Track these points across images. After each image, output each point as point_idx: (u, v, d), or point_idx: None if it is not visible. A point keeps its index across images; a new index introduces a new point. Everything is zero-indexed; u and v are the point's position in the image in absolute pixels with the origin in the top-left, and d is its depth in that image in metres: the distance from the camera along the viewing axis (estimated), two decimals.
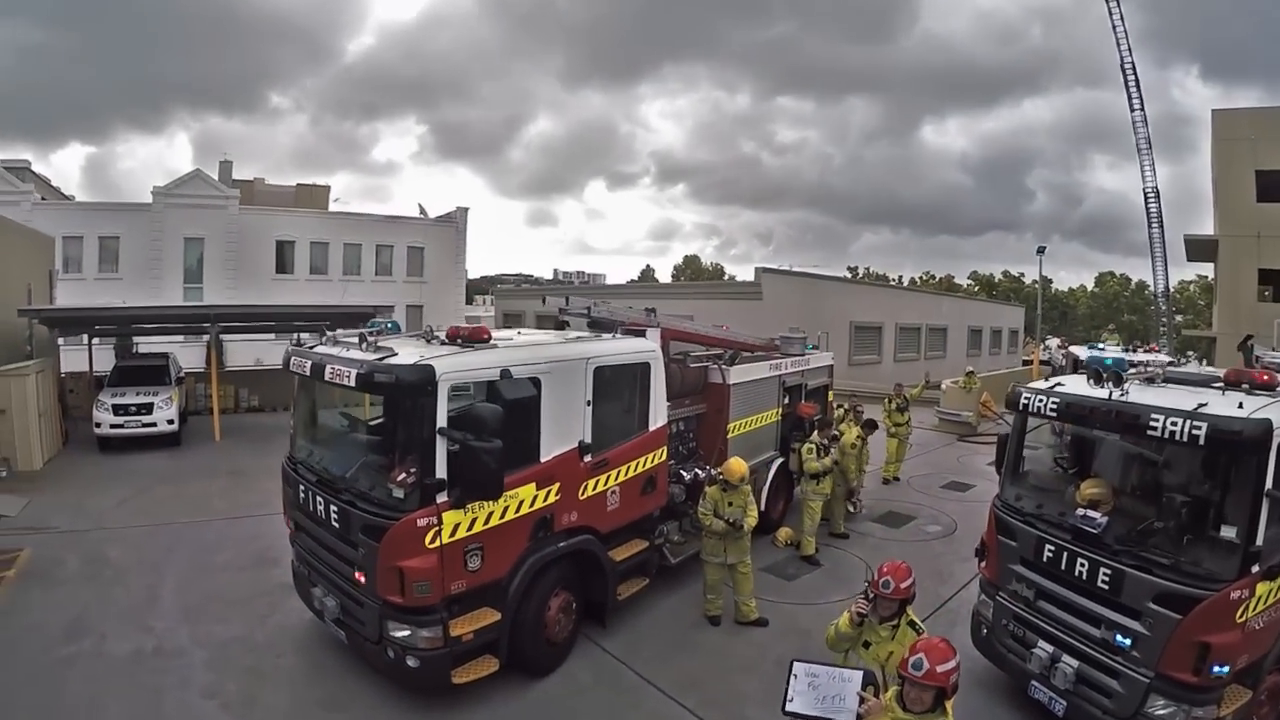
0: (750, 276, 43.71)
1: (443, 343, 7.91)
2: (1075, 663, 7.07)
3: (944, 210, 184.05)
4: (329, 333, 8.59)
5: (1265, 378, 7.14)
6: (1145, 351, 21.61)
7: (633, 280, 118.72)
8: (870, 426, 14.51)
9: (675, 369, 10.83)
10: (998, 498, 8.52)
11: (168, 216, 40.39)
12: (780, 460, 13.07)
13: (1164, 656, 6.42)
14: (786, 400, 13.43)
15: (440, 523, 6.98)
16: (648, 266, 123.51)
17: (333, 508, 7.58)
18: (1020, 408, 8.19)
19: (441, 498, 7.00)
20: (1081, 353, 21.55)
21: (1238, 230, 32.27)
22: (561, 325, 10.98)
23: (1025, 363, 50.19)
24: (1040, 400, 7.86)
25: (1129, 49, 41.33)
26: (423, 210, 53.37)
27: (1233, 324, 31.17)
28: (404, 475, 7.07)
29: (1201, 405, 6.54)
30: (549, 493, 8.01)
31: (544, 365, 8.03)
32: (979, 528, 8.93)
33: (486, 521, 7.35)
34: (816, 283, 45.03)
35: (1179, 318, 67.18)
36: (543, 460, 7.96)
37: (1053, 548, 7.45)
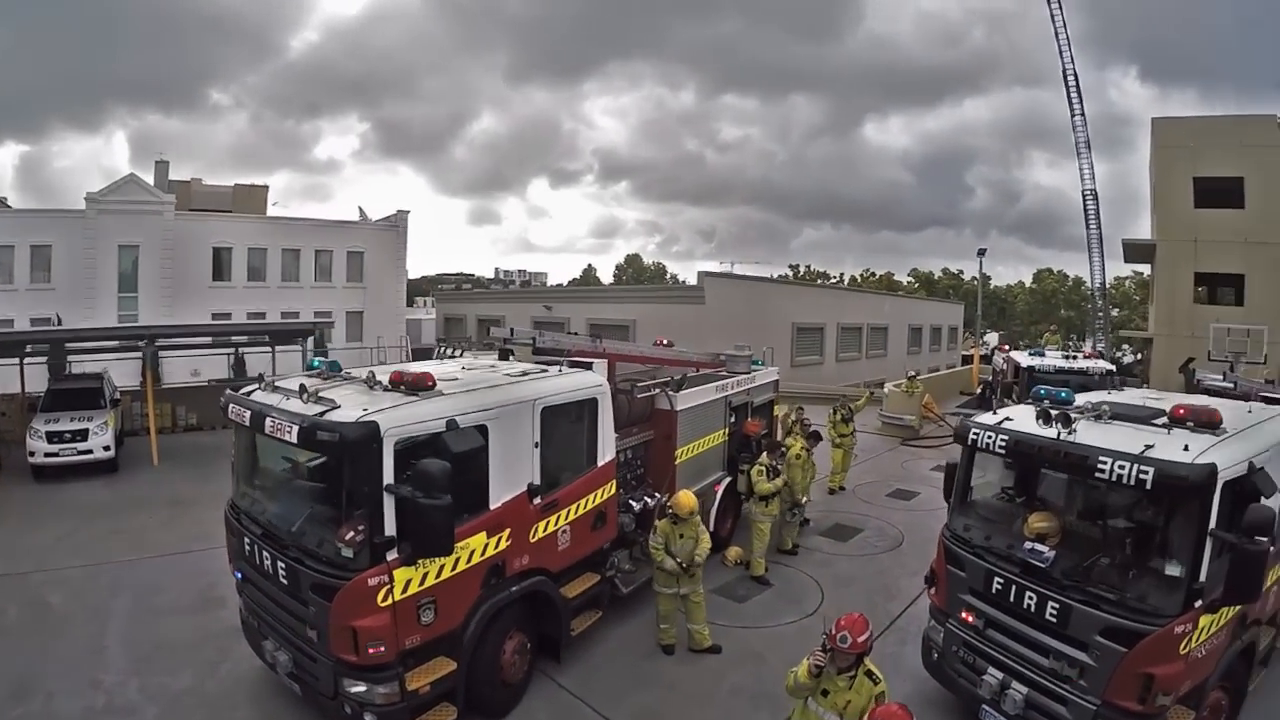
0: (693, 274, 43.91)
1: (386, 389, 7.79)
2: (1025, 689, 7.26)
3: (885, 207, 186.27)
4: (266, 378, 8.41)
5: (1210, 416, 7.32)
6: (1085, 357, 21.94)
7: (574, 280, 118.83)
8: (814, 439, 14.55)
9: (623, 399, 10.78)
10: (946, 527, 8.63)
11: (101, 223, 39.50)
12: (729, 480, 13.12)
13: (1110, 686, 6.65)
14: (733, 419, 13.46)
15: (392, 580, 6.91)
16: (589, 266, 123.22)
17: (280, 564, 7.44)
18: (969, 443, 8.28)
19: (392, 554, 6.91)
20: (1023, 358, 21.72)
21: (1175, 235, 33.24)
22: (505, 354, 10.90)
23: (965, 359, 51.05)
24: (989, 437, 7.99)
25: (1070, 54, 42.15)
26: (363, 213, 52.80)
27: (1169, 325, 32.27)
28: (352, 534, 6.93)
29: (1148, 447, 6.75)
30: (499, 540, 7.98)
31: (491, 412, 7.93)
32: (926, 539, 9.13)
33: (438, 575, 7.29)
34: (759, 285, 45.43)
35: (1115, 312, 68.70)
36: (492, 508, 7.92)
37: (1001, 580, 7.61)
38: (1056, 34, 42.00)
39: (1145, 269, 43.26)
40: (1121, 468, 6.68)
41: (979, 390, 31.84)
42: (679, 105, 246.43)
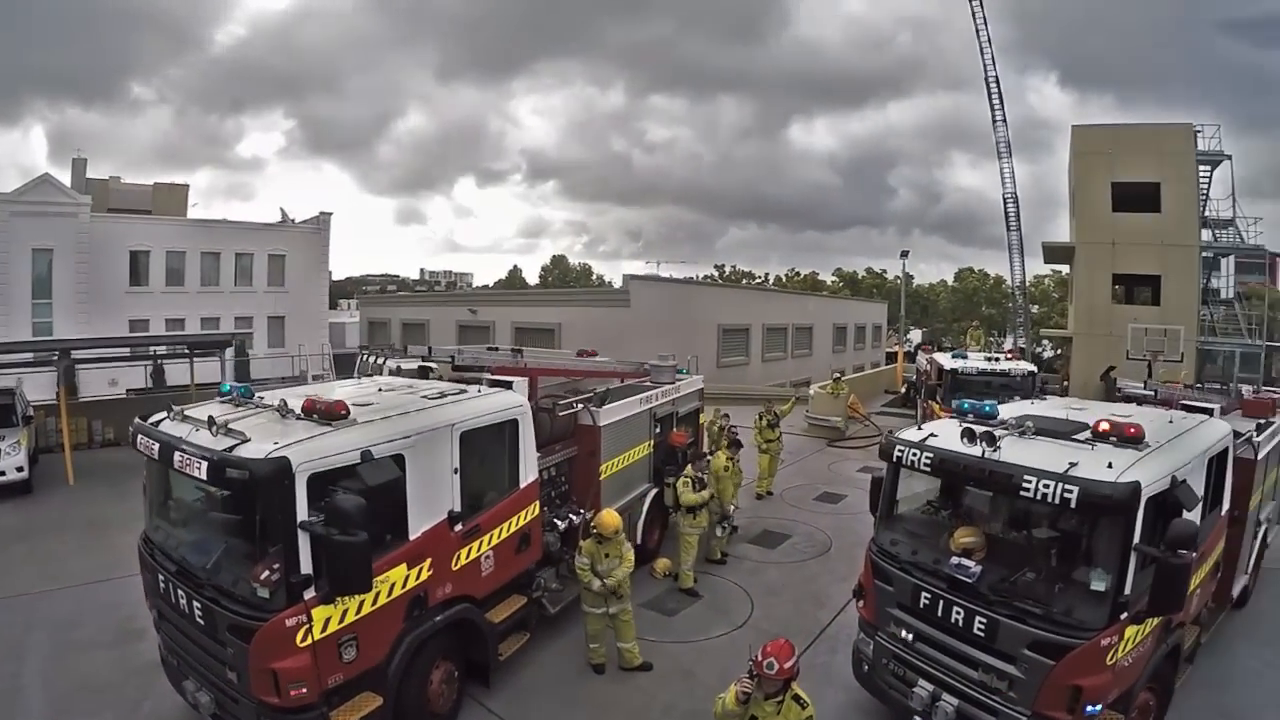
0: (619, 274, 44.06)
1: (299, 417, 7.60)
2: (955, 701, 7.39)
3: (810, 207, 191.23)
4: (175, 408, 8.08)
5: (1132, 430, 7.44)
6: (1007, 358, 22.32)
7: (500, 281, 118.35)
8: (736, 446, 14.64)
9: (544, 417, 10.70)
10: (873, 541, 8.71)
11: (14, 226, 37.88)
12: (655, 491, 13.14)
13: (1039, 698, 6.82)
14: (659, 430, 13.45)
15: (310, 620, 6.76)
16: (515, 267, 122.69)
17: (196, 603, 7.21)
18: (894, 459, 8.37)
19: (309, 593, 6.76)
20: (945, 361, 22.03)
21: (1094, 238, 34.38)
22: (425, 372, 10.79)
23: (890, 356, 51.79)
24: (914, 454, 8.08)
25: (992, 58, 42.87)
26: (285, 215, 51.84)
27: (1088, 324, 33.35)
28: (267, 573, 6.76)
29: (1072, 465, 6.89)
30: (420, 570, 7.86)
31: (407, 440, 7.77)
32: (854, 543, 9.21)
33: (359, 611, 7.16)
34: (684, 287, 45.71)
35: (1035, 309, 70.28)
36: (412, 538, 7.79)
37: (929, 595, 7.73)
38: (979, 39, 42.68)
39: (1064, 268, 44.31)
40: (1046, 486, 6.80)
41: (903, 389, 32.37)
42: (608, 105, 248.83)
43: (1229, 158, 34.07)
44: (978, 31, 42.76)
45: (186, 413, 7.91)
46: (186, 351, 25.06)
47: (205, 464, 6.83)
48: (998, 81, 42.75)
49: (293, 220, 51.18)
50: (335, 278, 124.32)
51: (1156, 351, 27.46)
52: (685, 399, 14.59)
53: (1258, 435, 10.95)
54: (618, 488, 12.08)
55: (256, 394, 8.59)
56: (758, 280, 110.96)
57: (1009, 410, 9.30)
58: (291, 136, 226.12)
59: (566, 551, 10.57)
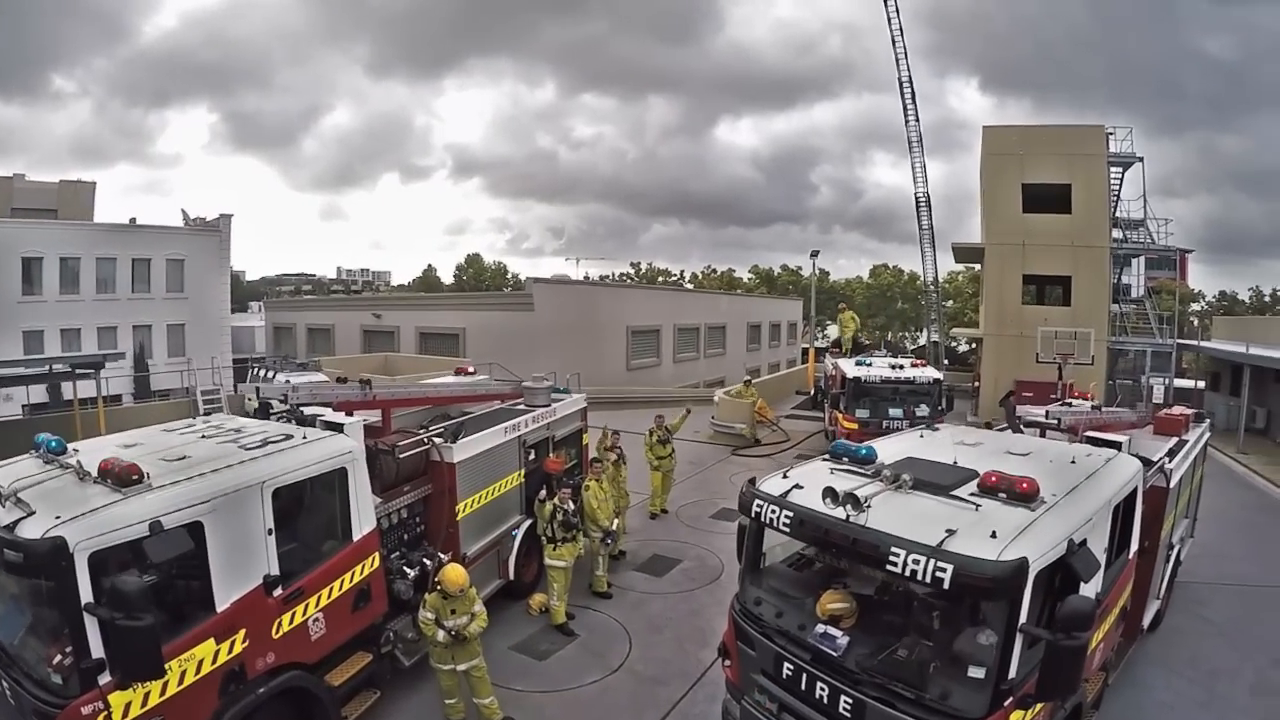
0: (541, 271, 43.78)
1: (95, 480, 6.86)
2: None
3: (733, 203, 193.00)
4: None
5: (1025, 485, 6.71)
6: (913, 365, 21.85)
7: (416, 280, 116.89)
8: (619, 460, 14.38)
9: (386, 460, 9.89)
10: (737, 599, 7.99)
11: None
12: (528, 522, 12.28)
13: None
14: (531, 457, 12.71)
15: (108, 705, 6.15)
16: (429, 266, 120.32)
17: (4, 683, 6.55)
18: (753, 515, 7.67)
19: (104, 678, 6.13)
20: (849, 368, 21.58)
21: (1004, 239, 34.52)
22: (266, 410, 9.98)
23: (804, 351, 51.86)
24: (773, 512, 7.36)
25: (906, 64, 42.94)
26: (187, 217, 50.08)
27: (998, 324, 33.59)
28: (59, 658, 6.20)
29: (949, 533, 6.08)
30: (233, 643, 7.14)
31: (207, 505, 7.01)
32: None
33: (162, 692, 6.50)
34: (590, 289, 45.40)
35: (949, 303, 71.23)
36: (220, 610, 7.05)
37: (791, 666, 7.01)
38: (893, 41, 42.75)
39: (976, 266, 44.70)
40: (916, 562, 5.99)
41: (812, 391, 32.16)
42: (536, 102, 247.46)
43: (1140, 159, 34.54)
44: (892, 35, 42.86)
45: None
46: (71, 371, 24.03)
47: None
48: (911, 84, 42.95)
49: (201, 219, 49.32)
50: (250, 277, 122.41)
51: (1066, 354, 27.56)
52: (563, 421, 13.84)
53: (1170, 461, 10.23)
54: (482, 524, 11.38)
55: (70, 446, 7.82)
56: (674, 278, 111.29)
57: (892, 449, 8.59)
58: (215, 131, 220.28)
59: (421, 597, 9.86)
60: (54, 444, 7.72)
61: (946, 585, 5.87)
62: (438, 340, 41.99)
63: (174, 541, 6.61)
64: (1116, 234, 35.34)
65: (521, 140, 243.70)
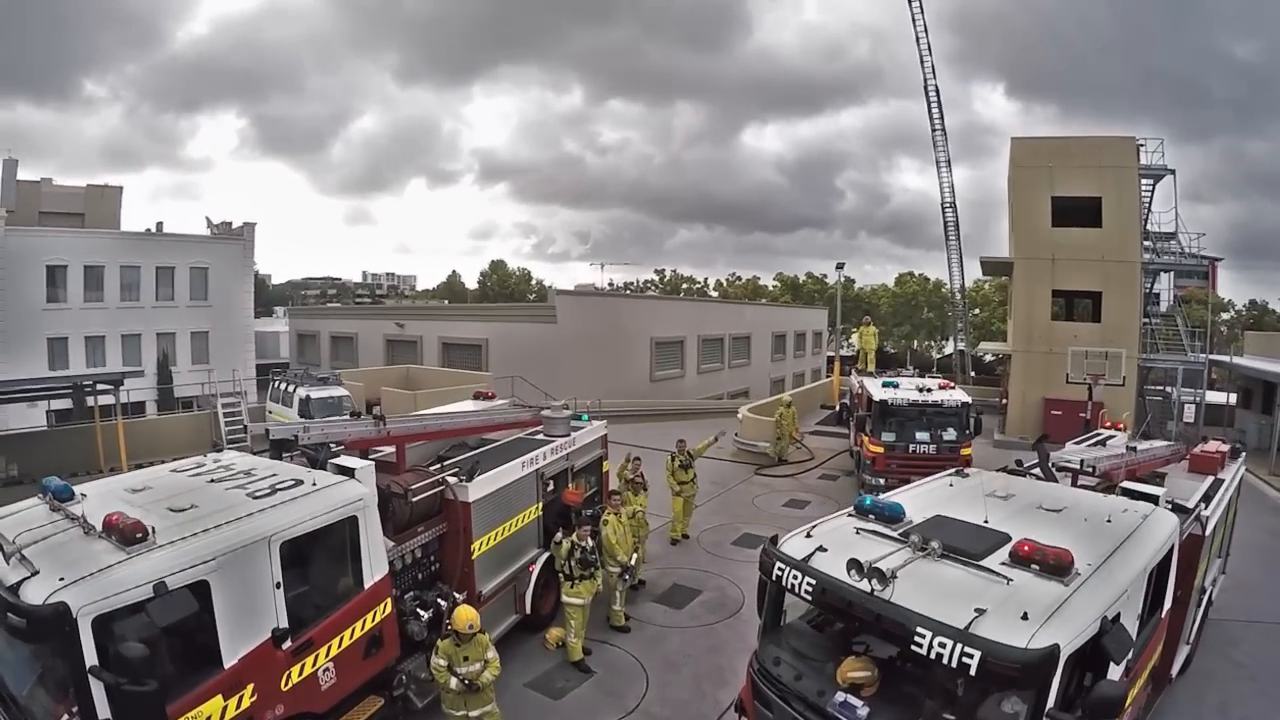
0: (566, 276, 43.70)
1: (100, 536, 6.74)
2: None
3: (758, 208, 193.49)
4: None
5: (1058, 556, 6.42)
6: (940, 387, 21.18)
7: (441, 285, 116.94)
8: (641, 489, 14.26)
9: (399, 503, 9.68)
10: (755, 656, 7.73)
11: None
12: (546, 555, 12.03)
13: None
14: (550, 488, 12.45)
15: None
16: (454, 272, 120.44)
17: None
18: (774, 579, 7.36)
19: None
20: (875, 389, 20.87)
21: (1033, 253, 33.54)
22: (279, 452, 9.75)
23: (830, 359, 51.51)
24: (795, 578, 7.06)
25: (932, 68, 42.87)
26: (210, 224, 50.36)
27: (1027, 341, 32.64)
28: (66, 717, 6.11)
29: (978, 614, 5.81)
30: (241, 699, 7.00)
31: (211, 564, 6.84)
32: None
33: None
34: (614, 300, 45.34)
35: (976, 312, 70.55)
36: (228, 666, 6.91)
37: None
38: (920, 50, 42.55)
39: (1004, 278, 44.10)
40: (942, 645, 5.72)
41: (837, 407, 31.76)
42: (563, 108, 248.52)
43: (1172, 172, 33.57)
44: (918, 40, 42.63)
45: None
46: (91, 388, 24.15)
47: None
48: (938, 91, 42.77)
49: (225, 225, 49.67)
50: (276, 281, 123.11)
51: (1097, 375, 26.99)
52: (582, 451, 13.64)
53: (1206, 508, 9.79)
54: (498, 561, 11.19)
55: (78, 491, 7.77)
56: (698, 285, 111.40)
57: (920, 502, 8.35)
58: (244, 136, 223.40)
59: (435, 637, 9.66)
60: (62, 489, 7.65)
61: (973, 672, 5.60)
62: (460, 351, 42.03)
63: (179, 602, 6.47)
64: (1147, 245, 34.64)
65: (548, 145, 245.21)
